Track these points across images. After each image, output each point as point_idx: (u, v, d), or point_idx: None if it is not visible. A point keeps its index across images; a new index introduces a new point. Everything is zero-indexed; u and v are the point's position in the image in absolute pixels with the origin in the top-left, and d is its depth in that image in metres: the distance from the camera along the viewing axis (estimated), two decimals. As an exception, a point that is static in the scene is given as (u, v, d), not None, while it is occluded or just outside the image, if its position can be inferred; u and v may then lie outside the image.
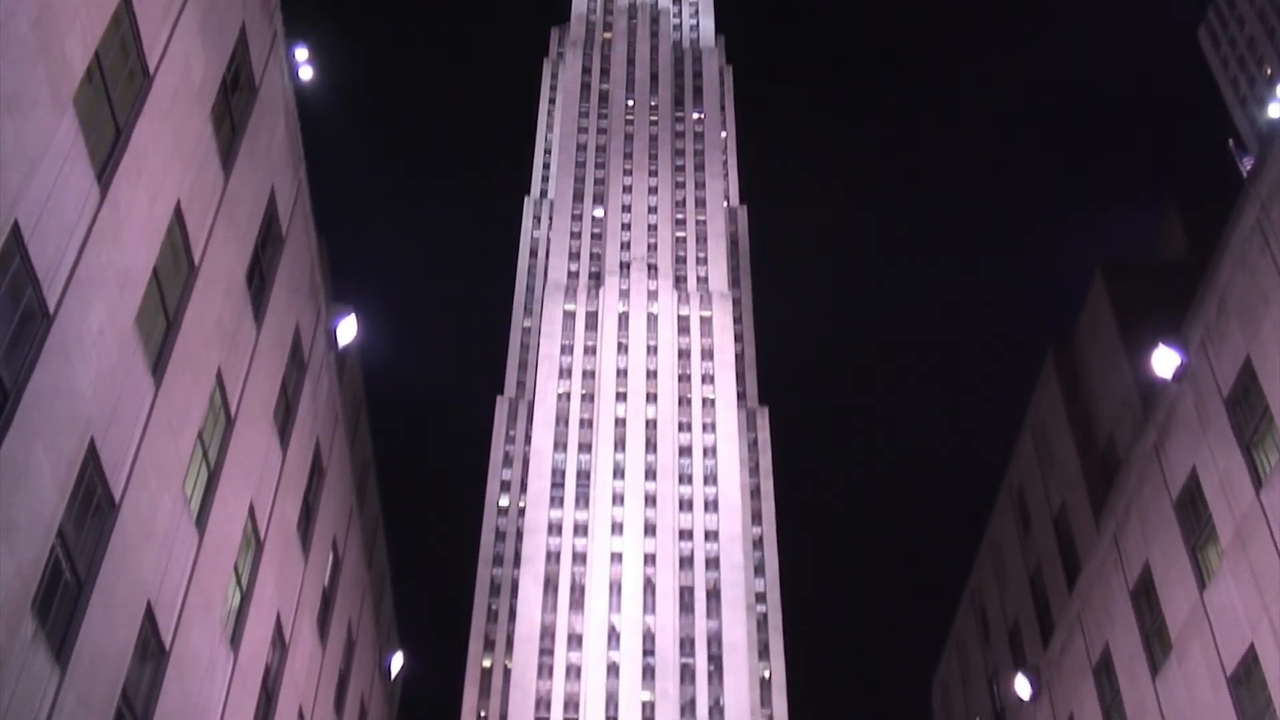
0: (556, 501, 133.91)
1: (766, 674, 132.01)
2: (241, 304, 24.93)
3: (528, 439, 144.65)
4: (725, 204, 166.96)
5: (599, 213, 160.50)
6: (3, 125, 15.03)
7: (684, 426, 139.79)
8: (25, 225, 15.70)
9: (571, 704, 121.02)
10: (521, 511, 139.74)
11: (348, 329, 32.94)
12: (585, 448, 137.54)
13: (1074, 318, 42.62)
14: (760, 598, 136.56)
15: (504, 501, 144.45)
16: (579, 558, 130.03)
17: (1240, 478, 26.78)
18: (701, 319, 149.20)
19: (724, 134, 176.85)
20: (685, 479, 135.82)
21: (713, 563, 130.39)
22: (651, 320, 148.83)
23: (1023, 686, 39.95)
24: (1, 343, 15.57)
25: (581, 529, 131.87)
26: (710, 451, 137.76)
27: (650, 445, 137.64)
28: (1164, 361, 29.68)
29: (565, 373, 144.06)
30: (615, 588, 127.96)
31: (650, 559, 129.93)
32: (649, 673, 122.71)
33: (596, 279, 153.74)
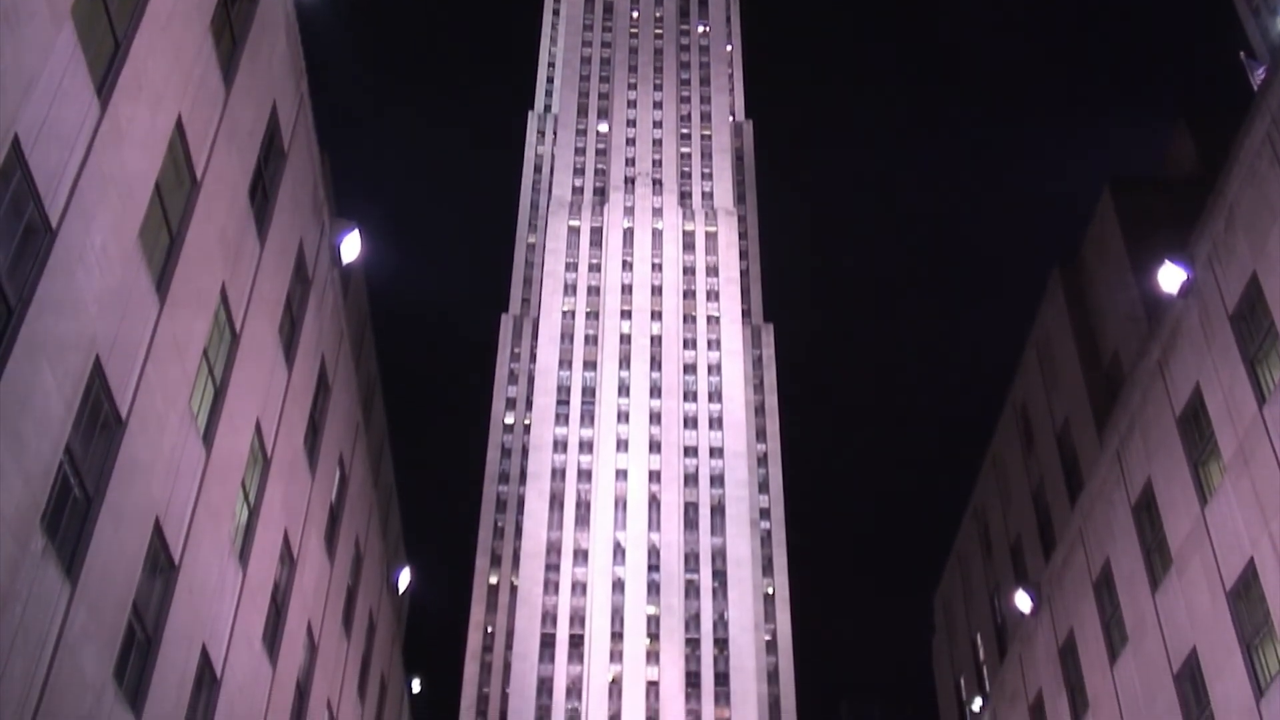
0: (562, 419, 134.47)
1: (770, 589, 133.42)
2: (245, 220, 24.82)
3: (533, 356, 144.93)
4: (730, 119, 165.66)
5: (603, 128, 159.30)
6: (1, 37, 14.85)
7: (689, 343, 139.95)
8: (25, 139, 15.58)
9: (577, 619, 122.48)
10: (527, 428, 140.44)
11: (352, 245, 32.82)
12: (590, 365, 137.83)
13: (1082, 235, 42.44)
14: (764, 514, 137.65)
15: (509, 419, 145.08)
16: (584, 475, 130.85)
17: (1243, 394, 26.80)
18: (706, 235, 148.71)
19: (729, 47, 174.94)
20: (690, 396, 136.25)
21: (717, 479, 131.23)
22: (656, 236, 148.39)
23: (1023, 601, 40.34)
24: (5, 258, 15.52)
25: (586, 446, 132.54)
26: (715, 368, 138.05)
27: (655, 362, 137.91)
28: (1170, 277, 29.56)
29: (570, 289, 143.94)
30: (620, 504, 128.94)
31: (655, 476, 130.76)
32: (654, 588, 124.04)
33: (601, 195, 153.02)
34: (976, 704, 48.14)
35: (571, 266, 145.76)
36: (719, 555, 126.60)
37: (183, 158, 21.18)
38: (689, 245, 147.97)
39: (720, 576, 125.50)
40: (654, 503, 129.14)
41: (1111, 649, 34.32)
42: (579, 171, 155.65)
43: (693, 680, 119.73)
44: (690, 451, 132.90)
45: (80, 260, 17.26)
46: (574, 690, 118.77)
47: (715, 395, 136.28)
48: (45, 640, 16.91)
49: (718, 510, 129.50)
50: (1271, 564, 25.56)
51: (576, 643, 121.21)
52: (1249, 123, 26.75)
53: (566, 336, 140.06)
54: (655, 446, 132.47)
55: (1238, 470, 27.04)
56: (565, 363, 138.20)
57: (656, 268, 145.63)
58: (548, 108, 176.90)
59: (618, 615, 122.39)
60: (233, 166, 23.75)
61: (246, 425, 25.85)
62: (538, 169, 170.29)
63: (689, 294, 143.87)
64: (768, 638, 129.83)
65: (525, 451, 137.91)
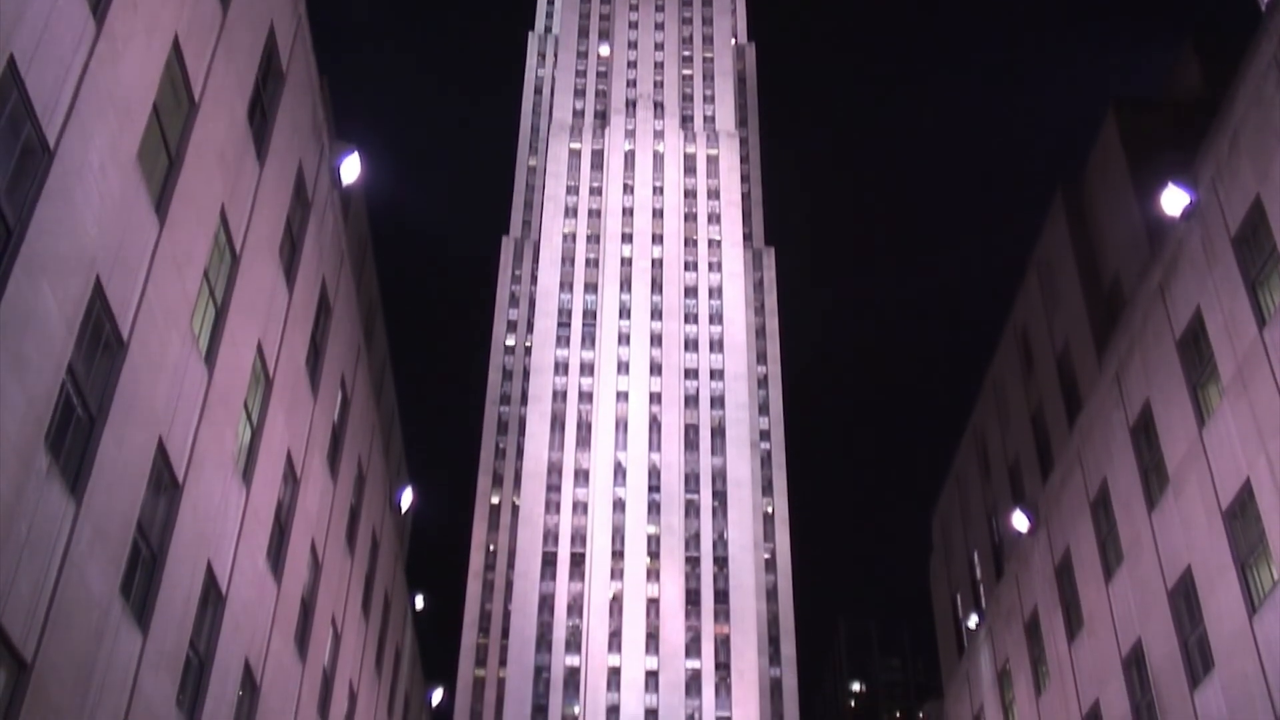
0: (563, 341, 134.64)
1: (769, 509, 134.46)
2: (243, 141, 24.71)
3: (533, 279, 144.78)
4: (733, 41, 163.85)
5: (604, 50, 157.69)
6: (-7, -45, 14.71)
7: (690, 266, 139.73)
8: (21, 58, 15.49)
9: (578, 538, 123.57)
10: (528, 351, 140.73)
11: (351, 167, 32.69)
12: (591, 288, 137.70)
13: (1085, 158, 42.21)
14: (764, 435, 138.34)
15: (510, 341, 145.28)
16: (585, 396, 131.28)
17: (1244, 316, 26.84)
18: (708, 158, 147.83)
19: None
20: (691, 319, 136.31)
21: (717, 401, 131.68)
22: (657, 160, 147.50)
23: (1021, 521, 40.72)
24: (3, 178, 15.49)
25: (588, 368, 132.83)
26: (716, 291, 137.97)
27: (656, 285, 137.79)
28: (1173, 200, 29.46)
29: (571, 213, 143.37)
30: (621, 425, 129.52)
31: (656, 398, 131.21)
32: (654, 508, 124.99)
33: (602, 118, 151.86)
34: (973, 621, 48.74)
35: (572, 190, 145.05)
36: (719, 476, 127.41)
37: (180, 78, 21.04)
38: (690, 168, 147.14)
39: (720, 496, 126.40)
40: (654, 424, 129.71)
41: (1107, 567, 34.70)
42: (579, 94, 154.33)
43: (692, 598, 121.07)
44: (691, 374, 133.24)
45: (79, 180, 17.23)
46: (575, 607, 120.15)
47: (716, 318, 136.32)
48: (51, 557, 17.12)
49: (718, 432, 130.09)
50: (1267, 484, 25.76)
51: (578, 561, 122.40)
52: (1255, 44, 26.52)
53: (567, 260, 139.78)
54: (656, 369, 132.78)
55: (1236, 392, 27.16)
56: (566, 285, 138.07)
57: (658, 191, 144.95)
58: (548, 29, 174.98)
59: (618, 534, 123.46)
60: (230, 88, 23.60)
61: (248, 346, 25.93)
62: (538, 91, 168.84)
63: (690, 217, 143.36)
64: (767, 556, 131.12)
65: (526, 374, 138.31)
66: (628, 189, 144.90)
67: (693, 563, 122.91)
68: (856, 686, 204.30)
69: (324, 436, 33.64)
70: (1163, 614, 30.85)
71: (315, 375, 32.35)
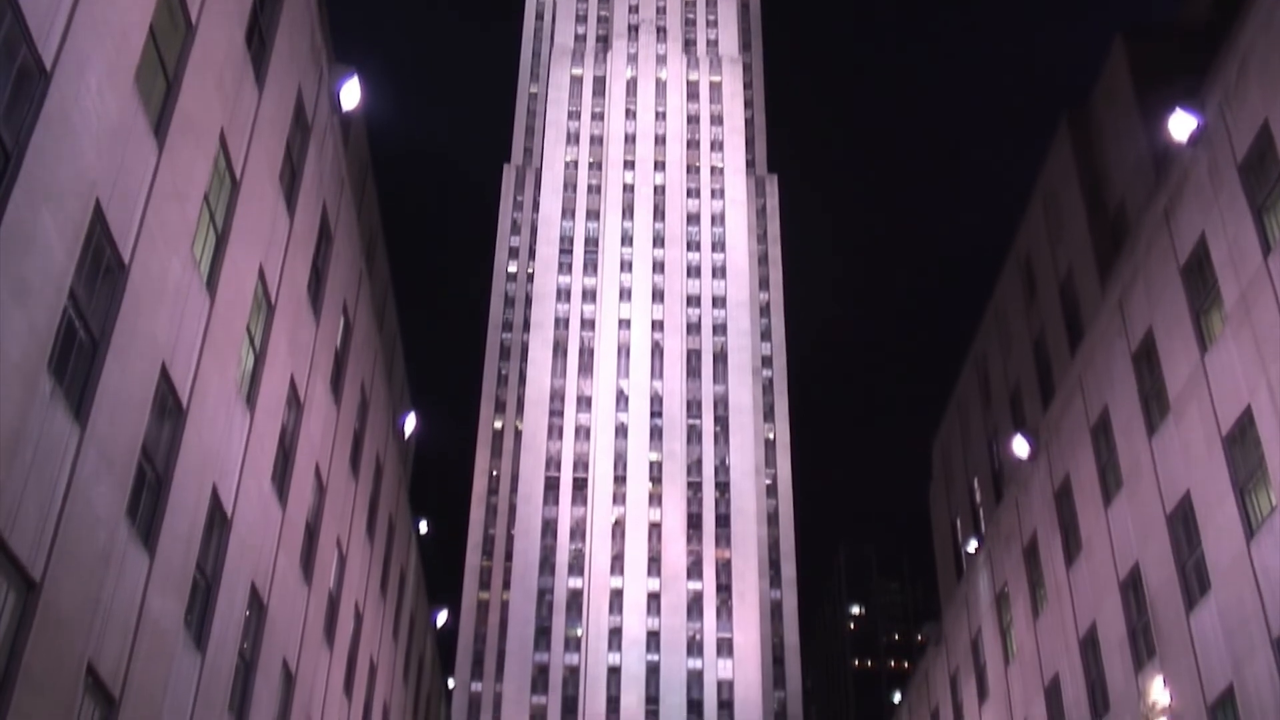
0: (565, 268, 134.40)
1: (771, 436, 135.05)
2: (242, 66, 24.51)
3: (535, 206, 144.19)
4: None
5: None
6: (-14, -127, 14.51)
7: (692, 193, 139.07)
8: (17, -21, 15.33)
9: (581, 464, 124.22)
10: (530, 278, 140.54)
11: (351, 93, 32.43)
12: (593, 215, 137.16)
13: (1093, 85, 41.86)
14: (766, 362, 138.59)
15: (512, 268, 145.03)
16: (587, 324, 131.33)
17: (1249, 242, 26.76)
18: (711, 84, 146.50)
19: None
20: (693, 246, 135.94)
21: (720, 328, 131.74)
22: (660, 86, 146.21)
23: (1021, 447, 40.90)
24: (0, 101, 15.40)
25: (590, 295, 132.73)
26: (718, 218, 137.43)
27: (658, 212, 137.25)
28: (1180, 126, 29.27)
29: (573, 139, 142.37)
30: (623, 352, 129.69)
31: (658, 325, 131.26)
32: (656, 433, 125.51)
33: (604, 43, 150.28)
34: (971, 545, 49.15)
35: (574, 115, 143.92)
36: (721, 402, 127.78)
37: (176, 1, 20.83)
38: (693, 94, 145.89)
39: (722, 423, 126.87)
40: (657, 350, 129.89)
41: (1106, 493, 34.92)
42: (581, 19, 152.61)
43: (694, 523, 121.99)
44: (693, 300, 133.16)
45: (76, 105, 17.12)
46: (577, 532, 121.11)
47: (718, 245, 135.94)
48: (57, 480, 17.25)
49: (720, 358, 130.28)
50: (1268, 410, 25.84)
51: (580, 486, 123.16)
52: (1265, -36, 26.18)
53: (569, 186, 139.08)
54: (658, 295, 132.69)
55: (1239, 319, 27.16)
56: (568, 212, 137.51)
57: (660, 117, 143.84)
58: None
59: (620, 460, 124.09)
60: (227, 11, 23.37)
61: (249, 271, 25.92)
62: (539, 16, 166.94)
63: (693, 144, 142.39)
64: (768, 482, 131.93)
65: (529, 300, 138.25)
66: (630, 115, 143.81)
67: (694, 488, 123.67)
68: (856, 610, 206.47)
69: (327, 362, 33.72)
70: (1161, 538, 31.10)
71: (317, 301, 32.36)
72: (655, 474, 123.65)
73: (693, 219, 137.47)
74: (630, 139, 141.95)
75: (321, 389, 33.17)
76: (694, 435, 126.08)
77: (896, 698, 78.14)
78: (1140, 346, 32.67)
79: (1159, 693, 14.30)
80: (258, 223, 26.23)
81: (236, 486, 25.76)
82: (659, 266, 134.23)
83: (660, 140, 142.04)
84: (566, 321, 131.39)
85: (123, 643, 19.93)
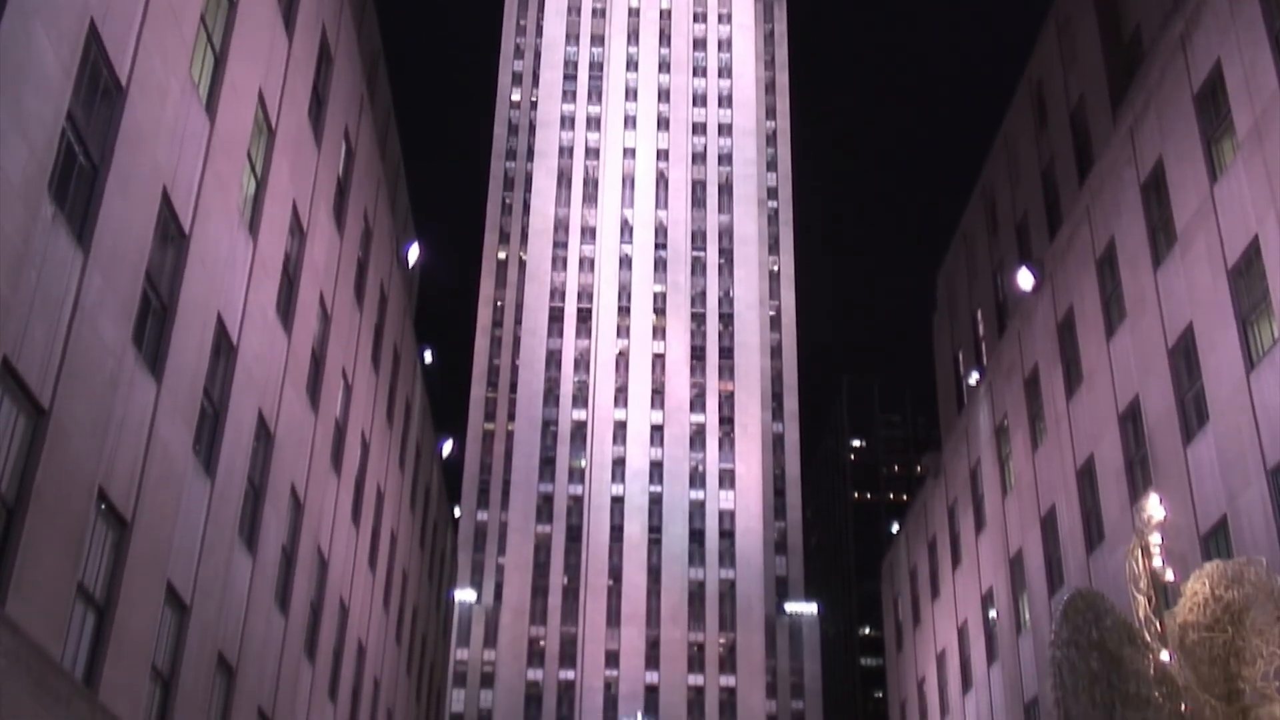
0: (569, 95, 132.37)
1: (775, 267, 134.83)
2: (235, -122, 23.72)
3: (539, 30, 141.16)
4: None
5: None
6: None
7: (699, 18, 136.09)
8: None
9: (585, 294, 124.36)
10: (534, 105, 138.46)
11: (348, -92, 31.46)
12: (598, 40, 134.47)
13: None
14: (772, 193, 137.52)
15: (515, 95, 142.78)
16: (592, 152, 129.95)
17: (1265, 69, 26.25)
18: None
19: None
20: (699, 72, 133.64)
21: (725, 158, 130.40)
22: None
23: (1026, 278, 40.81)
24: (-13, -86, 14.95)
25: (594, 123, 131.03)
26: (725, 44, 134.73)
27: (664, 37, 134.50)
28: (1200, -53, 28.43)
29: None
30: (628, 182, 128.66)
31: (663, 154, 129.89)
32: (660, 265, 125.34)
33: None
34: (973, 378, 49.47)
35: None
36: (725, 233, 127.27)
37: None
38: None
39: (726, 254, 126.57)
40: (661, 180, 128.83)
41: (1109, 324, 34.96)
42: None
43: (698, 354, 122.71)
44: (699, 129, 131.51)
45: (66, -82, 16.62)
46: (582, 363, 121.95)
47: (725, 71, 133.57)
48: (63, 305, 17.25)
49: (725, 188, 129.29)
50: (1275, 241, 25.69)
51: (584, 317, 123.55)
52: None
53: (573, 10, 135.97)
54: (663, 124, 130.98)
55: (1251, 147, 26.80)
56: (572, 37, 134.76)
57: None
58: None
59: (624, 291, 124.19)
60: None
61: (249, 95, 25.51)
62: None
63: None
64: (772, 314, 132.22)
65: (532, 128, 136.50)
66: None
67: (698, 319, 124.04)
68: (857, 442, 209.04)
69: (329, 189, 33.44)
70: (1161, 370, 31.24)
71: (318, 126, 31.94)
72: (659, 305, 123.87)
73: (699, 44, 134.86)
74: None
75: (324, 216, 32.96)
76: (698, 266, 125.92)
77: (895, 529, 79.69)
78: (1150, 176, 32.32)
79: (1155, 508, 14.63)
80: (256, 45, 25.71)
81: (241, 314, 25.79)
82: (664, 94, 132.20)
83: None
84: (570, 150, 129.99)
85: (133, 468, 20.20)
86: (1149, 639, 13.75)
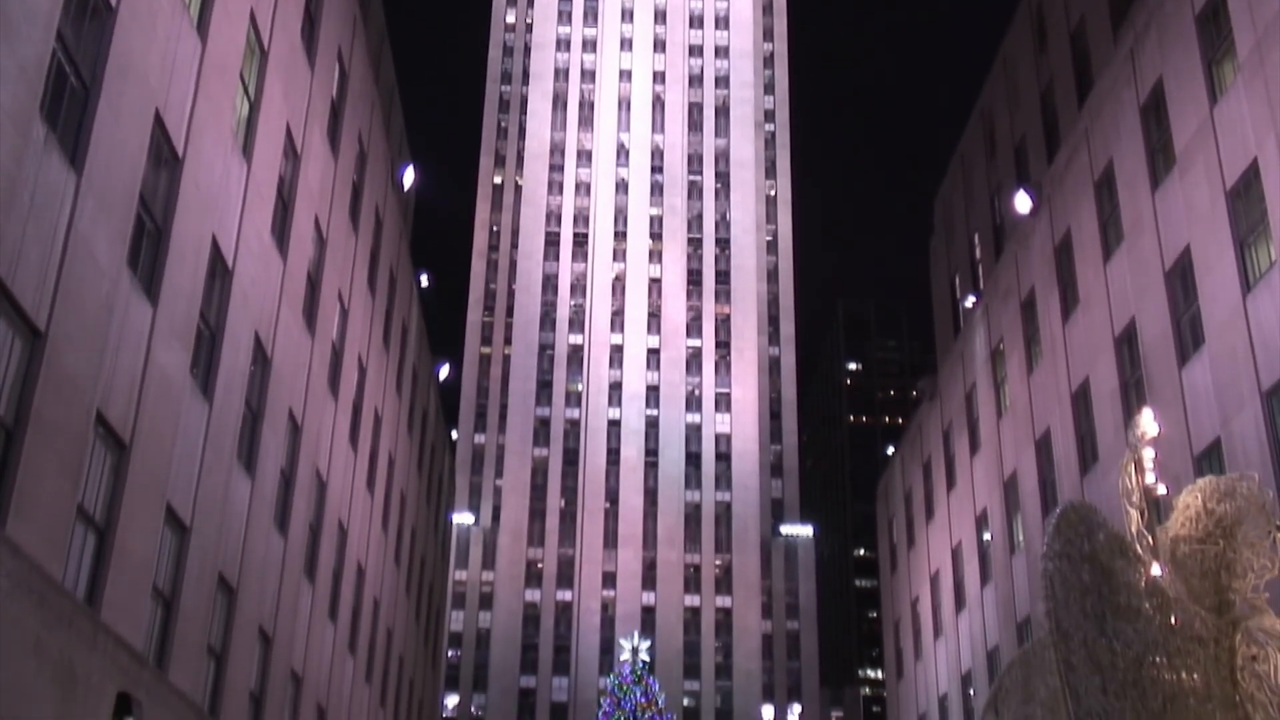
0: (565, 17, 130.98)
1: (772, 191, 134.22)
2: None
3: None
4: None
5: None
6: None
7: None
8: None
9: (581, 219, 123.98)
10: (529, 27, 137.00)
11: None
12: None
13: None
14: (769, 116, 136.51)
15: (510, 17, 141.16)
16: (587, 75, 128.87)
17: (1268, -11, 25.96)
18: None
19: None
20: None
21: (722, 80, 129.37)
22: None
23: (1023, 201, 40.68)
24: None
25: (590, 45, 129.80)
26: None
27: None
28: None
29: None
30: (624, 105, 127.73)
31: (659, 76, 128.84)
32: (657, 189, 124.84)
33: None
34: (969, 302, 49.47)
35: None
36: (722, 157, 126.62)
37: None
38: None
39: (723, 178, 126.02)
40: (658, 103, 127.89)
41: (1106, 247, 34.91)
42: None
43: (694, 279, 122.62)
44: (695, 51, 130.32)
45: None
46: (578, 287, 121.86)
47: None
48: (56, 228, 17.19)
49: (722, 111, 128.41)
50: (1274, 163, 25.58)
51: (580, 241, 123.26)
52: None
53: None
54: (660, 46, 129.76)
55: (1252, 69, 26.60)
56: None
57: None
58: None
59: (621, 215, 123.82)
60: None
61: (241, 16, 25.24)
62: None
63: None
64: (768, 238, 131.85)
65: (528, 50, 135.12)
66: None
67: (695, 244, 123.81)
68: (853, 365, 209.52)
69: (323, 111, 33.19)
70: (1158, 293, 31.24)
71: (311, 48, 31.63)
72: (655, 230, 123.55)
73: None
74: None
75: (319, 139, 32.75)
76: (695, 190, 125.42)
77: (890, 451, 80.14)
78: (1149, 98, 32.10)
79: (1149, 423, 14.77)
80: (246, -36, 25.38)
81: (236, 237, 25.71)
82: (660, 15, 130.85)
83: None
84: (566, 73, 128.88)
85: (130, 391, 20.24)
86: (1140, 552, 13.90)
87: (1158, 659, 12.97)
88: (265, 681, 29.74)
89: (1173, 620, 13.40)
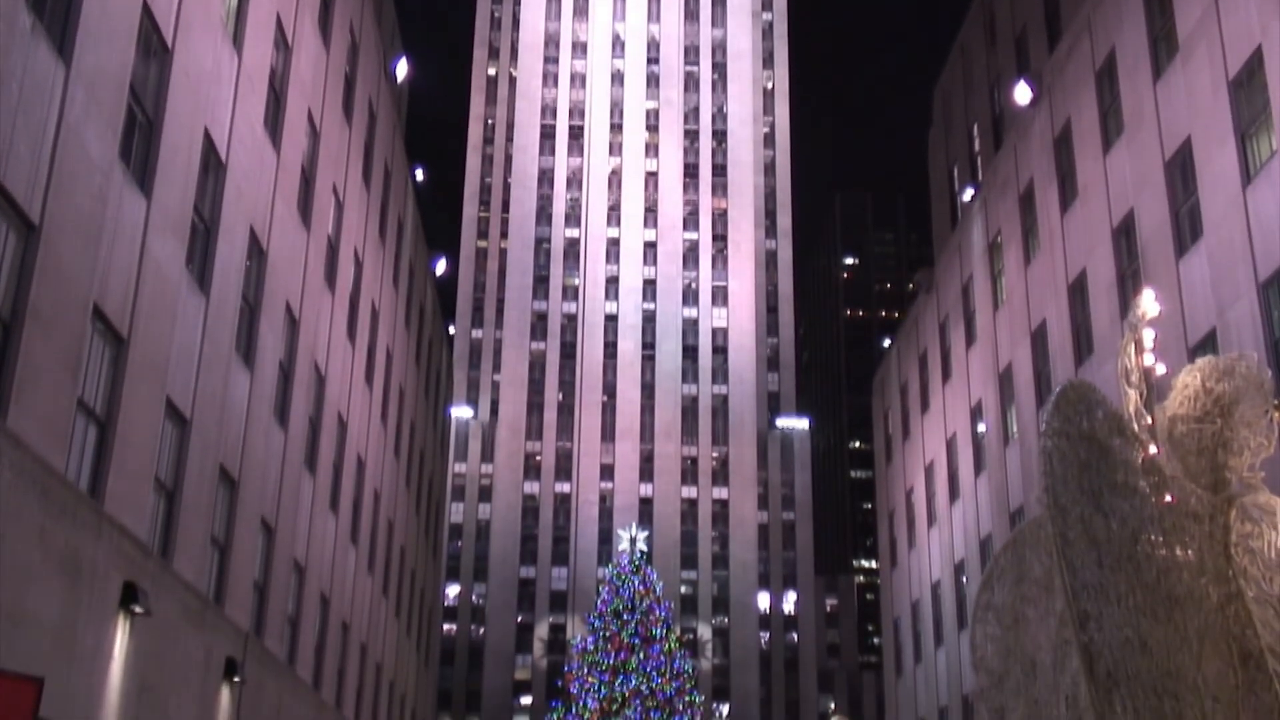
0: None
1: (769, 84, 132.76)
2: None
3: None
4: None
5: None
6: None
7: None
8: None
9: (577, 112, 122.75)
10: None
11: None
12: None
13: None
14: (766, 4, 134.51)
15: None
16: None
17: None
18: None
19: None
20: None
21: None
22: None
23: (1023, 92, 40.30)
24: None
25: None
26: None
27: None
28: None
29: None
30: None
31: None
32: (653, 81, 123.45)
33: None
34: (967, 194, 49.24)
35: None
36: (719, 48, 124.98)
37: None
38: None
39: (720, 69, 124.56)
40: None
41: (1106, 138, 34.66)
42: None
43: (691, 172, 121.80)
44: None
45: None
46: (574, 181, 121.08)
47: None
48: (46, 120, 17.02)
49: (718, 1, 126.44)
50: (1277, 52, 25.29)
51: (576, 135, 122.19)
52: None
53: None
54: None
55: (1257, -46, 26.17)
56: None
57: None
58: None
59: (617, 108, 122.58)
60: None
61: (228, -98, 24.73)
62: None
63: None
64: (765, 131, 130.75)
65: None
66: None
67: (691, 136, 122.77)
68: (850, 259, 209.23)
69: (313, 1, 32.67)
70: (1157, 184, 31.09)
71: (300, -65, 31.03)
72: (652, 122, 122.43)
73: None
74: None
75: (310, 29, 32.28)
76: (691, 82, 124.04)
77: (886, 344, 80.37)
78: (1153, -15, 31.64)
79: (1149, 304, 14.80)
80: None
81: (229, 130, 25.47)
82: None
83: None
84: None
85: (126, 285, 20.21)
86: (1138, 431, 14.02)
87: (1153, 535, 13.16)
88: (268, 572, 30.14)
89: (1168, 497, 13.57)
